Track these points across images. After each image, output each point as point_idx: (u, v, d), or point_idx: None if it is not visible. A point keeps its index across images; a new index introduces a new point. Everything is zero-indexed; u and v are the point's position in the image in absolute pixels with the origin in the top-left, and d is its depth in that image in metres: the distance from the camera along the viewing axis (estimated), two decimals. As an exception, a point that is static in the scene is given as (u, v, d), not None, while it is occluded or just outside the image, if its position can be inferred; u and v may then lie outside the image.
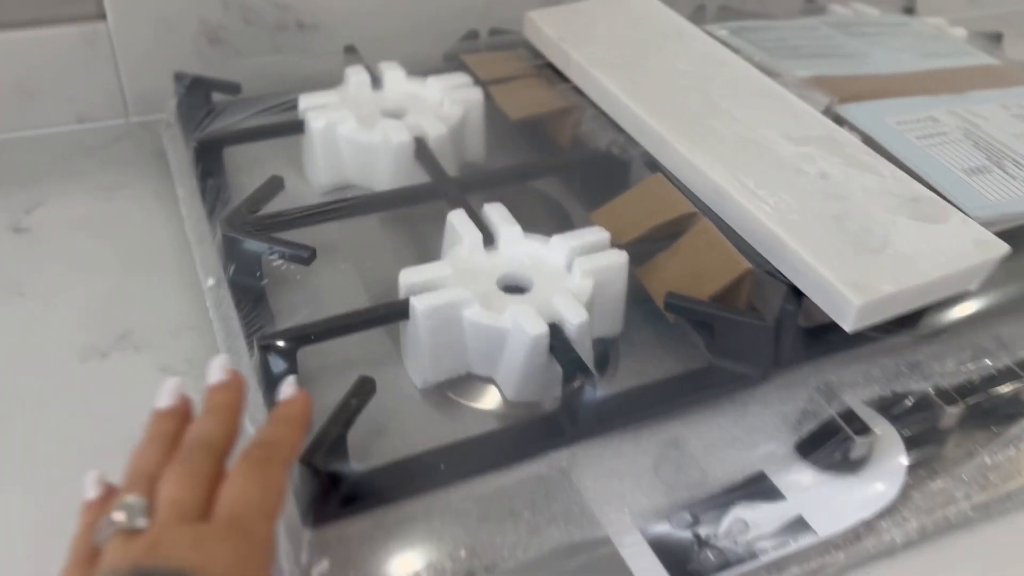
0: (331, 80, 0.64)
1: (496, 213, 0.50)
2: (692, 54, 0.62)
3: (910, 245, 0.46)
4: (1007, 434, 0.46)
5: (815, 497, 0.42)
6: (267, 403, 0.44)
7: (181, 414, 0.37)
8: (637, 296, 0.50)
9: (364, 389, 0.41)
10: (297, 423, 0.38)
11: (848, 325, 0.44)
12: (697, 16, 0.76)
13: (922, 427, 0.45)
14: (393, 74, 0.64)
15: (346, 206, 0.53)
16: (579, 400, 0.42)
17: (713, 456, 0.43)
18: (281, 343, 0.43)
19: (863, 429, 0.43)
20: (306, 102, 0.60)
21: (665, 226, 0.51)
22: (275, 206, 0.54)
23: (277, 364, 0.43)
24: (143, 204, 0.62)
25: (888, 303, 0.44)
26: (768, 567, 0.40)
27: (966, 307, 0.49)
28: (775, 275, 0.47)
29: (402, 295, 0.46)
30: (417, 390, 0.47)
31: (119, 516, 0.31)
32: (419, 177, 0.58)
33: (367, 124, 0.58)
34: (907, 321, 0.47)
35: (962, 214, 0.49)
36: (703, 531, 0.40)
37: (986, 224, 0.48)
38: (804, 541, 0.40)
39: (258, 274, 0.50)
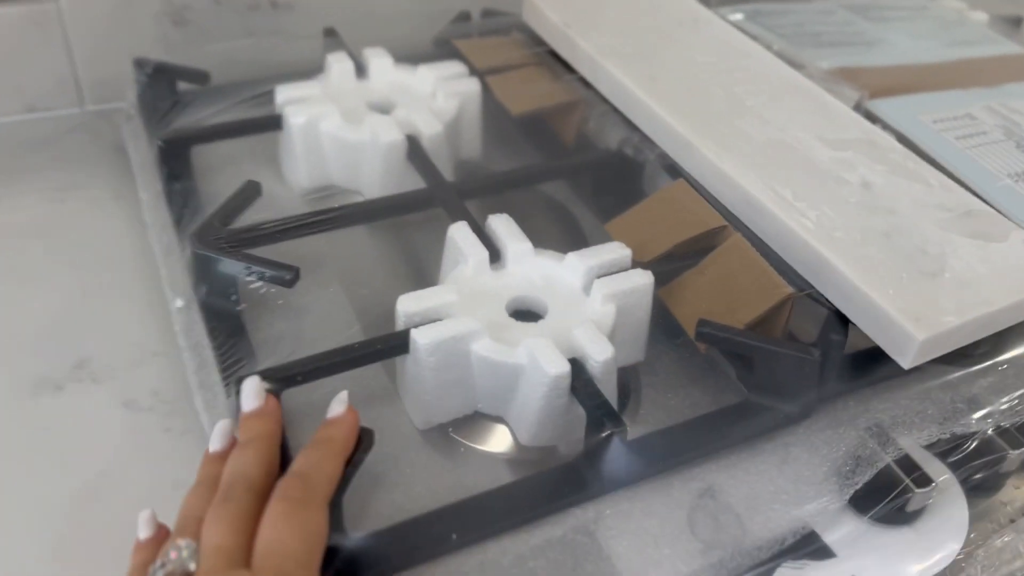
0: (310, 68, 0.57)
1: (502, 226, 0.45)
2: (710, 43, 0.57)
3: (970, 268, 0.41)
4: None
5: (869, 554, 0.38)
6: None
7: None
8: (658, 318, 0.45)
9: (361, 444, 0.36)
10: (339, 450, 0.35)
11: (907, 362, 0.39)
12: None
13: (982, 472, 0.40)
14: (379, 62, 0.58)
15: (332, 218, 0.47)
16: (606, 451, 0.37)
17: (755, 511, 0.38)
18: (264, 385, 0.37)
19: (924, 480, 0.38)
20: (284, 94, 0.53)
21: (692, 241, 0.45)
22: (251, 215, 0.48)
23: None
24: (101, 207, 0.56)
25: (951, 336, 0.39)
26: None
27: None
28: (818, 300, 0.42)
29: (400, 325, 0.40)
30: (417, 431, 0.41)
31: (172, 558, 0.32)
32: (411, 179, 0.52)
33: (352, 120, 0.52)
34: (961, 349, 0.43)
35: (1022, 231, 0.44)
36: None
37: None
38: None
39: (233, 297, 0.44)
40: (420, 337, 0.38)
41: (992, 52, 0.65)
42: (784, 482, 0.39)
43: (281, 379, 0.38)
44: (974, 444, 0.40)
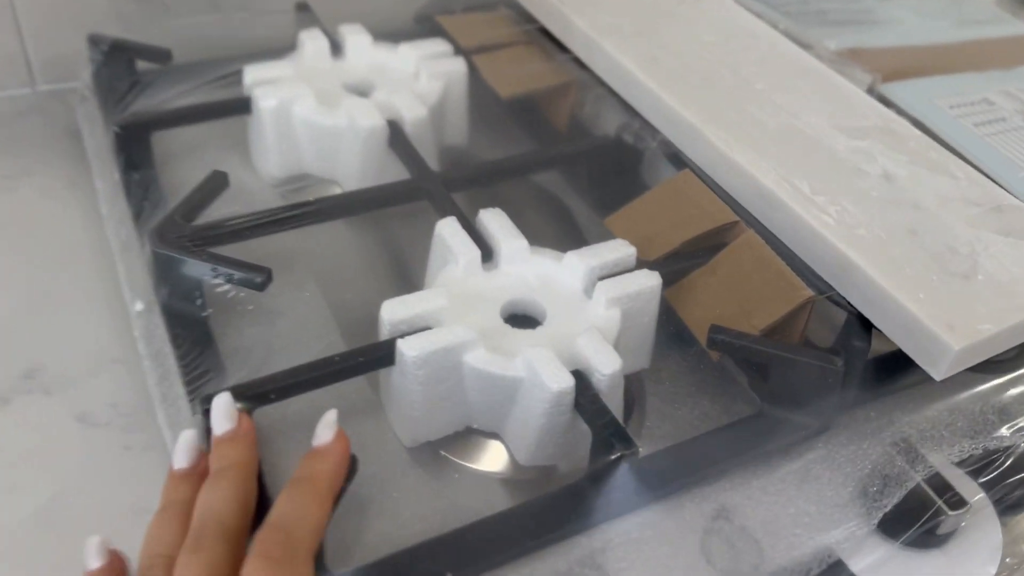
0: (281, 46, 0.53)
1: (495, 221, 0.41)
2: (715, 21, 0.53)
3: (1003, 268, 0.38)
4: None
5: (897, 581, 0.35)
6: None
7: (200, 474, 0.33)
8: (663, 321, 0.41)
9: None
10: (325, 490, 0.31)
11: (939, 373, 0.36)
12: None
13: (1015, 490, 0.37)
14: (356, 39, 0.53)
15: (307, 212, 0.43)
16: (614, 473, 0.34)
17: (775, 535, 0.35)
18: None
19: (958, 502, 0.35)
20: (253, 75, 0.49)
21: (700, 238, 0.42)
22: (218, 209, 0.44)
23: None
24: (54, 196, 0.51)
25: (986, 345, 0.36)
26: None
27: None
28: (839, 303, 0.39)
29: (385, 334, 0.36)
30: (405, 449, 0.38)
31: None
32: (393, 168, 0.48)
33: (328, 103, 0.48)
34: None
35: (1056, 227, 0.41)
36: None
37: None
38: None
39: (199, 301, 0.40)
40: (407, 348, 0.35)
41: (1003, 32, 0.62)
42: (805, 503, 0.36)
43: (252, 396, 0.34)
44: (1009, 460, 0.37)
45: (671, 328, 0.42)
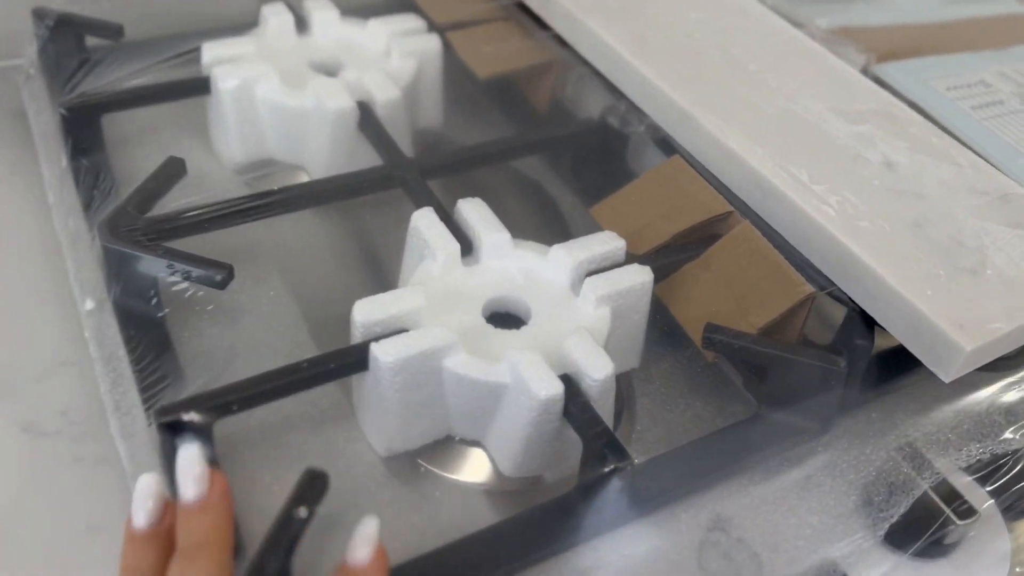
0: (243, 22, 0.50)
1: (475, 212, 0.38)
2: (702, -3, 0.50)
3: (1012, 262, 0.36)
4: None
5: (902, 594, 0.33)
6: (174, 493, 0.31)
7: (166, 535, 0.27)
8: (654, 318, 0.39)
9: (312, 491, 0.29)
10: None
11: (949, 374, 0.34)
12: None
13: (1020, 497, 0.35)
14: (323, 15, 0.50)
15: (272, 202, 0.40)
16: (606, 487, 0.31)
17: (775, 548, 0.33)
18: (191, 416, 0.31)
19: (967, 511, 0.33)
20: (212, 53, 0.46)
21: (692, 229, 0.39)
22: (175, 198, 0.40)
23: (188, 445, 0.31)
24: (-3, 183, 0.48)
25: (997, 345, 0.34)
26: None
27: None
28: (840, 299, 0.37)
29: (358, 337, 0.34)
30: (380, 459, 0.35)
31: None
32: (363, 153, 0.45)
33: (293, 83, 0.45)
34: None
35: (1064, 218, 0.39)
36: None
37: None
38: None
39: (154, 300, 0.37)
40: (382, 354, 0.32)
41: (995, 10, 0.60)
42: (807, 513, 0.34)
43: (213, 407, 0.31)
44: (1018, 467, 0.35)
45: (662, 325, 0.40)
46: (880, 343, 0.38)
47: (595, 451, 0.31)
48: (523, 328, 0.35)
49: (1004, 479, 0.35)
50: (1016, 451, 0.36)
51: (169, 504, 0.28)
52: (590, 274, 0.36)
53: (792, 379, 0.36)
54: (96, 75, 0.47)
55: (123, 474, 0.34)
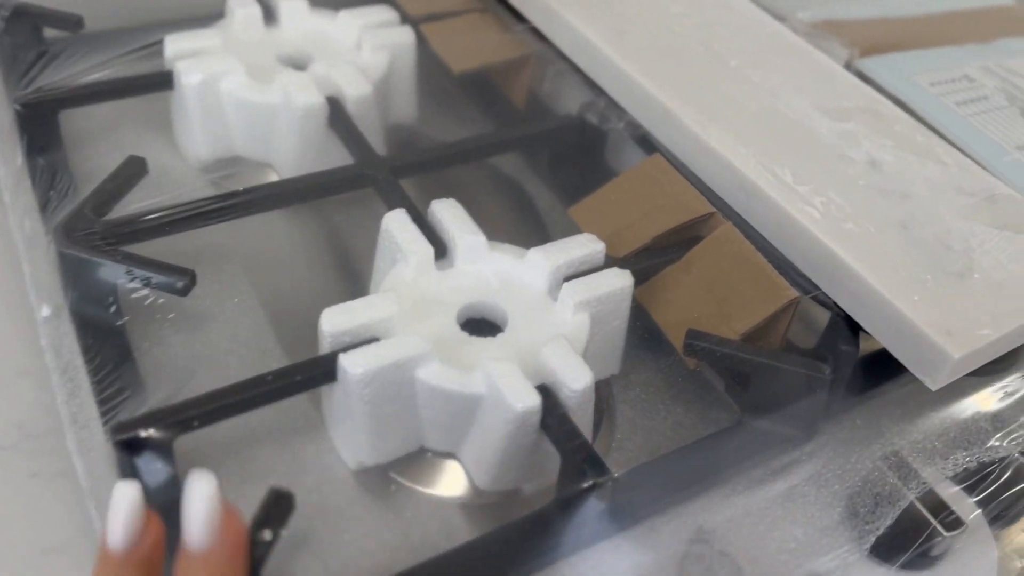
0: (208, 13, 0.48)
1: (449, 214, 0.37)
2: (683, -10, 0.49)
3: (1000, 265, 0.35)
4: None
5: (887, 608, 0.32)
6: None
7: (147, 558, 0.24)
8: (634, 323, 0.38)
9: (277, 512, 0.28)
10: None
11: (936, 382, 0.33)
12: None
13: (1008, 506, 0.35)
14: (292, 6, 0.48)
15: (237, 203, 0.38)
16: (585, 503, 0.30)
17: (758, 562, 0.32)
18: (150, 433, 0.29)
19: (954, 523, 0.32)
20: (175, 46, 0.44)
21: (673, 231, 0.38)
22: (135, 199, 0.39)
23: (148, 464, 0.29)
24: (-50, 182, 0.46)
25: (986, 351, 0.33)
26: None
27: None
28: (824, 304, 0.36)
29: (326, 347, 0.32)
30: (350, 472, 0.34)
31: None
32: (334, 151, 0.43)
33: (260, 77, 0.43)
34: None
35: (1052, 219, 0.38)
36: None
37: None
38: None
39: (113, 308, 0.35)
40: (351, 365, 0.31)
41: (978, 3, 0.59)
42: (791, 525, 0.33)
43: (173, 424, 0.30)
44: (1005, 475, 0.34)
45: (642, 330, 0.38)
46: (864, 346, 0.37)
47: (574, 465, 0.30)
48: (499, 335, 0.34)
49: (991, 488, 0.34)
50: (1003, 459, 0.35)
51: (152, 518, 0.25)
52: (568, 278, 0.35)
53: (776, 386, 0.35)
54: (54, 69, 0.45)
55: (81, 490, 0.33)
